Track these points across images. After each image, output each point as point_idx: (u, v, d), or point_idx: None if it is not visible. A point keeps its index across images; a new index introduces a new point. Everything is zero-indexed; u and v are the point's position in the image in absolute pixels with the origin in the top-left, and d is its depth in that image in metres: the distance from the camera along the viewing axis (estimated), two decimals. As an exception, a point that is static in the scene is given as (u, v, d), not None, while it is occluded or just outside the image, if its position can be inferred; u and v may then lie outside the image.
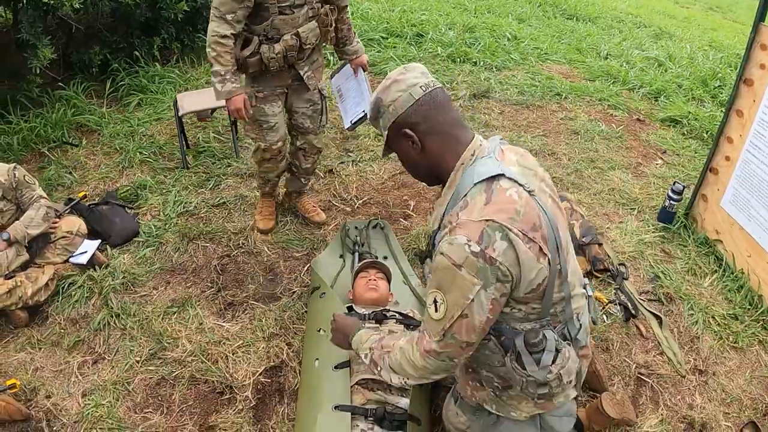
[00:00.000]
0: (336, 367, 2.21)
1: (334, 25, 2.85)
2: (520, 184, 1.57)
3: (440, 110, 1.64)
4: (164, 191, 3.66)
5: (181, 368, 2.53)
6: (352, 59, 3.06)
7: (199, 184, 3.75)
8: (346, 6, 2.94)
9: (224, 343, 2.64)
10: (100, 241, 3.15)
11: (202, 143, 4.17)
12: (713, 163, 3.55)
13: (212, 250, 3.21)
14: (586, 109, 5.17)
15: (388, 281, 2.75)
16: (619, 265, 3.33)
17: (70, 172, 3.85)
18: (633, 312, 3.03)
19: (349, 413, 2.05)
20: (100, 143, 4.19)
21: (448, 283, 1.52)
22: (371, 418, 2.07)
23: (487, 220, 1.48)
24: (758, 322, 3.02)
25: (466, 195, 1.57)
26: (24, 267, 2.92)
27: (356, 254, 3.10)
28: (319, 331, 2.42)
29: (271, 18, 2.65)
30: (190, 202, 3.56)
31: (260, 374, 2.52)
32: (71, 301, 2.87)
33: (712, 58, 6.67)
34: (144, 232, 3.31)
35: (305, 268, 3.12)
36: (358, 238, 3.20)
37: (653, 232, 3.63)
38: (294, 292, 2.97)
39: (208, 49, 2.63)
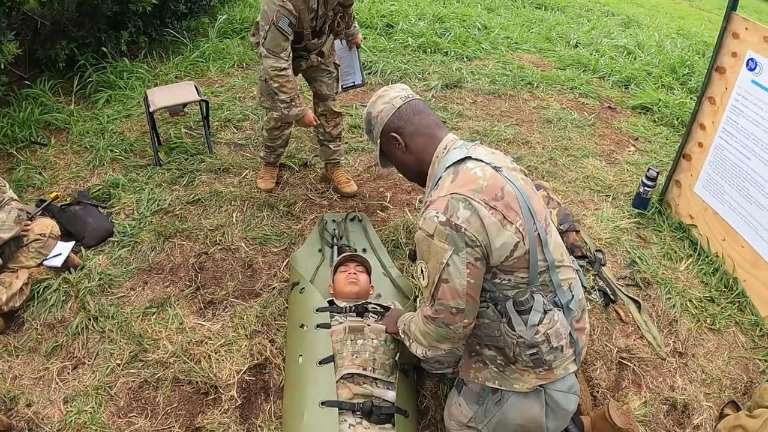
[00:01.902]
0: (320, 363, 2.20)
1: (345, 23, 3.29)
2: (486, 163, 1.80)
3: (419, 114, 1.94)
4: (137, 189, 3.58)
5: (164, 370, 2.48)
6: (349, 39, 3.51)
7: (173, 181, 3.67)
8: (351, 4, 3.29)
9: (206, 343, 2.60)
10: (74, 242, 3.06)
11: (174, 139, 4.08)
12: (686, 150, 3.61)
13: (189, 248, 3.15)
14: (557, 98, 5.22)
15: (368, 274, 2.75)
16: (597, 251, 3.37)
17: (40, 173, 3.73)
18: (612, 297, 3.07)
19: (337, 408, 2.04)
20: (69, 142, 4.08)
21: (426, 252, 1.75)
22: (359, 413, 2.07)
23: (452, 194, 1.71)
24: (734, 304, 3.10)
25: (438, 180, 1.81)
26: None
27: (335, 248, 3.08)
28: (301, 326, 2.40)
29: (304, 41, 3.11)
30: (165, 200, 3.48)
31: (244, 372, 2.48)
32: (47, 306, 2.78)
33: (680, 45, 6.79)
34: (119, 232, 3.23)
35: (284, 264, 3.09)
36: (336, 231, 3.18)
37: (629, 219, 3.68)
38: (274, 288, 2.93)
39: (270, 81, 3.01)
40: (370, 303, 2.50)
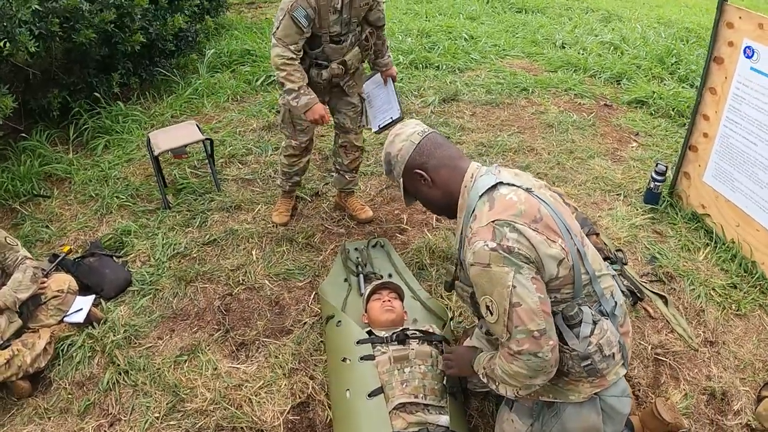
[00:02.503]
0: (370, 396, 2.17)
1: (372, 43, 3.16)
2: (517, 186, 1.81)
3: (440, 147, 1.94)
4: (150, 235, 3.54)
5: (205, 419, 2.43)
6: (383, 70, 3.35)
7: (185, 224, 3.64)
8: (383, 25, 3.21)
9: (244, 386, 2.55)
10: (94, 296, 3.02)
11: (180, 180, 4.05)
12: (692, 141, 3.63)
13: (212, 291, 3.11)
14: (554, 101, 5.24)
15: (402, 300, 2.72)
16: (617, 251, 3.37)
17: (47, 226, 3.69)
18: (639, 295, 3.07)
19: None
20: (72, 192, 4.03)
21: (487, 283, 1.71)
22: None
23: (494, 221, 1.72)
24: (756, 288, 3.13)
25: (474, 210, 1.80)
26: (18, 334, 2.76)
27: (361, 276, 3.06)
28: (343, 360, 2.37)
29: (323, 46, 2.98)
30: (180, 243, 3.44)
31: (288, 413, 2.44)
32: (74, 363, 2.72)
33: (663, 35, 6.86)
34: (137, 281, 3.18)
35: (311, 297, 3.05)
36: (360, 258, 3.16)
37: (642, 215, 3.69)
38: (305, 323, 2.90)
39: (277, 72, 2.92)
40: (409, 329, 2.47)
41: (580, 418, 1.89)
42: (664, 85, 5.55)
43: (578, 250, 1.81)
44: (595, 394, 1.87)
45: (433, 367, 2.30)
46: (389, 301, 2.62)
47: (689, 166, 3.69)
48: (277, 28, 2.85)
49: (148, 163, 4.32)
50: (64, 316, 2.91)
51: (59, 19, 4.05)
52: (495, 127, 4.78)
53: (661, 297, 3.10)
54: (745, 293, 3.10)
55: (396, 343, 2.39)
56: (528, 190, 1.82)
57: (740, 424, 2.45)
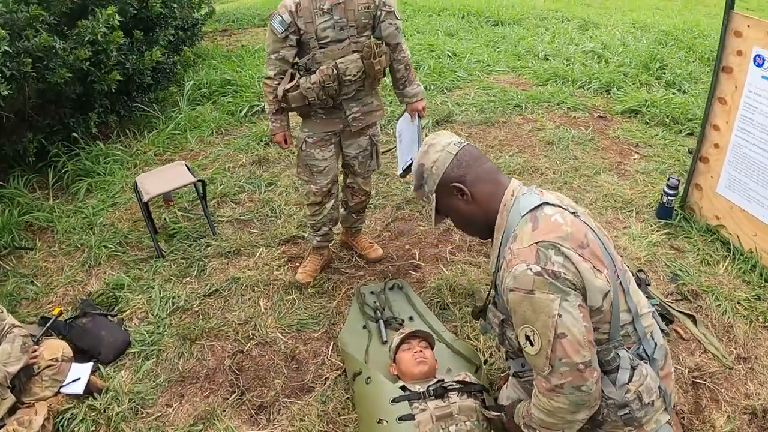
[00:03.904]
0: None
1: (381, 59, 2.79)
2: (563, 207, 1.67)
3: (478, 160, 1.78)
4: (145, 288, 3.30)
5: (231, 499, 2.22)
6: (410, 103, 3.02)
7: (182, 273, 3.40)
8: (399, 44, 2.90)
9: (270, 457, 2.35)
10: (92, 363, 2.77)
11: (171, 225, 3.81)
12: (702, 153, 3.56)
13: (221, 349, 2.88)
14: (548, 116, 5.15)
15: (432, 348, 2.54)
16: (638, 272, 3.25)
17: (32, 282, 3.42)
18: (669, 317, 2.96)
19: None
20: (56, 242, 3.78)
21: (529, 311, 1.56)
22: None
23: (538, 242, 1.57)
24: (779, 297, 3.05)
25: (515, 229, 1.66)
26: (12, 411, 2.50)
27: (381, 321, 2.88)
28: (379, 422, 2.17)
29: (312, 52, 2.75)
30: (179, 296, 3.21)
31: (323, 482, 2.24)
32: (75, 441, 2.47)
33: (643, 40, 6.86)
34: (136, 341, 2.94)
35: (329, 348, 2.85)
36: (377, 303, 2.98)
37: (658, 231, 3.59)
38: (326, 378, 2.68)
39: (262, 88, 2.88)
40: (445, 381, 2.29)
41: None
42: (654, 92, 5.51)
43: (621, 284, 1.68)
44: None
45: (479, 422, 2.13)
46: (421, 351, 2.44)
47: (700, 177, 3.61)
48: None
49: (134, 207, 4.09)
50: (61, 387, 2.65)
51: (32, 59, 3.82)
52: (494, 147, 4.65)
53: (690, 317, 3.00)
54: (769, 304, 3.02)
55: (434, 397, 2.21)
56: (574, 214, 1.68)
57: None
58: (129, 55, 4.79)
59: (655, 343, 1.78)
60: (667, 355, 1.86)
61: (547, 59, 6.51)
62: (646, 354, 1.75)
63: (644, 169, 4.25)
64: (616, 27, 7.67)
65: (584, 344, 1.54)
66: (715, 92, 3.37)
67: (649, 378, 1.69)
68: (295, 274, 3.29)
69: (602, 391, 1.64)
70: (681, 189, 3.72)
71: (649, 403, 1.68)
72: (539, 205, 1.66)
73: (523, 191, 1.74)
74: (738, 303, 3.06)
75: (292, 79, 2.78)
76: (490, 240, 1.84)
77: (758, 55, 3.06)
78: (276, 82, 2.80)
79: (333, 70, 2.71)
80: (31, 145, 4.25)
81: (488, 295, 1.95)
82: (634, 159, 4.42)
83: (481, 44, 7.10)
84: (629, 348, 1.71)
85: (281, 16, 2.67)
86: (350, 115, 2.91)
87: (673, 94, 5.38)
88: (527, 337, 1.58)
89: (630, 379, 1.67)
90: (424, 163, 1.79)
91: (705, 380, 2.64)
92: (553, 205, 1.67)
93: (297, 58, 2.83)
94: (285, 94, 2.77)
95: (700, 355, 2.78)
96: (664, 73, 5.89)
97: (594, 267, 1.58)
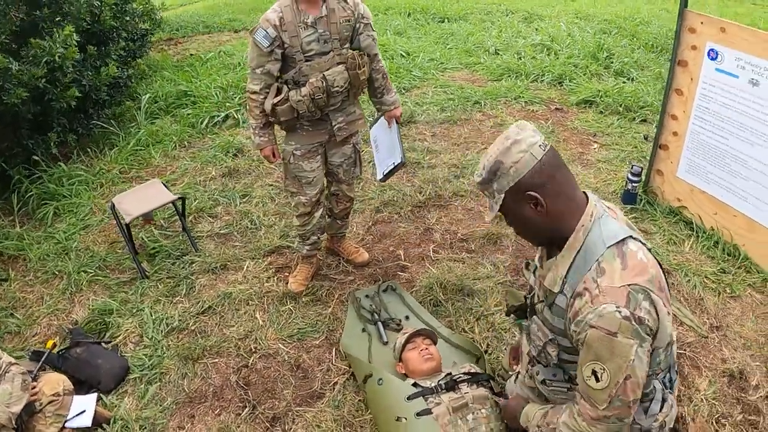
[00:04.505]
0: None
1: (364, 69, 2.88)
2: (643, 243, 1.63)
3: (560, 170, 1.62)
4: (135, 311, 3.25)
5: None
6: (388, 111, 3.11)
7: (170, 293, 3.36)
8: (376, 54, 2.98)
9: (295, 468, 2.39)
10: (96, 393, 2.72)
11: (150, 244, 3.76)
12: (662, 140, 3.78)
13: (224, 365, 2.89)
14: (508, 111, 5.32)
15: (435, 344, 2.64)
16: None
17: (12, 314, 3.31)
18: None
19: None
20: (31, 270, 3.66)
21: (608, 352, 1.54)
22: None
23: (630, 285, 1.53)
24: (742, 269, 3.31)
25: (599, 260, 1.58)
26: None
27: (379, 323, 2.96)
28: (398, 420, 2.24)
29: (299, 65, 2.78)
30: (172, 317, 3.18)
31: (350, 486, 2.30)
32: (90, 474, 2.45)
33: (588, 30, 7.13)
34: (135, 366, 2.91)
35: (333, 354, 2.90)
36: (373, 306, 3.06)
37: (625, 215, 3.77)
38: (335, 383, 2.74)
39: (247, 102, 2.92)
40: (453, 374, 2.40)
41: None
42: (605, 81, 5.77)
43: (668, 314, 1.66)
44: None
45: (492, 408, 2.24)
46: (427, 348, 2.54)
47: (661, 163, 3.84)
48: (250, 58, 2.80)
49: (108, 228, 4.01)
50: (66, 422, 2.60)
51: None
52: (460, 146, 4.78)
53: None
54: (734, 276, 3.26)
55: (446, 390, 2.31)
56: (649, 250, 1.64)
57: (762, 396, 2.57)
58: (84, 71, 4.67)
59: (677, 372, 1.86)
60: (676, 384, 1.93)
61: (498, 54, 6.69)
62: (671, 383, 1.80)
63: (605, 157, 4.47)
64: (560, 18, 7.94)
65: (641, 385, 1.58)
66: (672, 84, 3.59)
67: (674, 408, 1.77)
68: (287, 284, 3.32)
69: (634, 419, 1.68)
70: (643, 175, 3.94)
71: (668, 429, 1.78)
72: (624, 239, 1.59)
73: (599, 213, 1.64)
74: (705, 277, 3.27)
75: (278, 92, 2.82)
76: (541, 248, 1.80)
77: (712, 50, 3.28)
78: (262, 96, 2.82)
79: (322, 82, 2.77)
80: (-11, 170, 4.11)
81: (530, 302, 1.93)
82: (594, 148, 4.64)
83: (431, 42, 7.22)
84: (658, 375, 1.75)
85: (265, 31, 2.69)
86: (336, 125, 2.98)
87: (624, 82, 5.65)
88: (594, 373, 1.57)
89: (660, 410, 1.73)
90: (503, 161, 1.59)
91: (684, 350, 2.82)
92: (634, 239, 1.62)
93: (280, 72, 2.86)
94: (273, 108, 2.80)
95: (677, 328, 2.96)
96: (612, 62, 6.16)
97: (668, 312, 1.60)
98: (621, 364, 1.53)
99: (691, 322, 3.01)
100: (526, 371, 2.08)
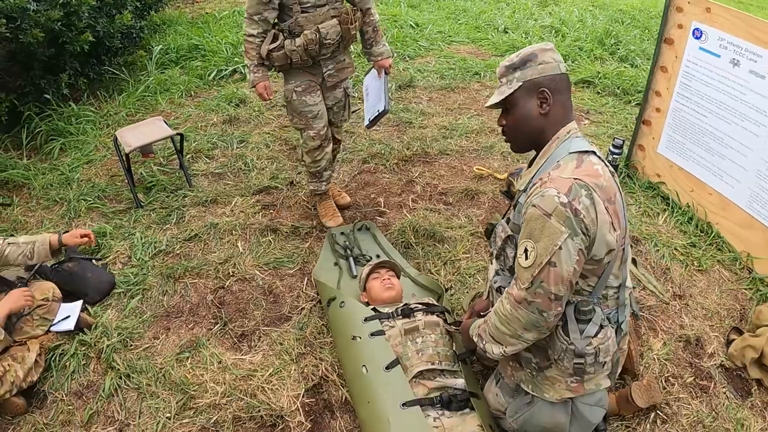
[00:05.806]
0: (387, 368, 2.24)
1: (355, 24, 3.05)
2: (606, 164, 1.79)
3: (568, 92, 1.85)
4: (127, 235, 3.46)
5: (220, 412, 2.42)
6: (377, 61, 3.24)
7: (162, 221, 3.57)
8: (370, 8, 3.14)
9: (254, 376, 2.56)
10: (81, 302, 2.92)
11: (148, 178, 3.96)
12: (645, 116, 3.88)
13: (203, 286, 3.09)
14: (507, 84, 5.41)
15: (398, 277, 2.81)
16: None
17: (11, 235, 3.49)
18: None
19: (419, 406, 2.11)
20: (34, 197, 3.87)
21: (539, 231, 1.68)
22: (438, 405, 2.15)
23: (575, 179, 1.68)
24: (713, 246, 3.40)
25: (558, 161, 1.76)
26: (4, 350, 2.61)
27: (350, 258, 3.13)
28: (354, 338, 2.43)
29: (295, 16, 2.92)
30: (160, 241, 3.39)
31: (303, 396, 2.48)
32: (68, 373, 2.62)
33: (600, 17, 7.18)
34: (121, 282, 3.11)
35: (304, 283, 3.09)
36: (347, 242, 3.22)
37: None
38: (302, 308, 2.93)
39: (243, 44, 3.03)
40: (411, 303, 2.57)
41: (549, 415, 1.97)
42: (607, 65, 5.84)
43: (623, 251, 1.83)
44: (569, 398, 1.93)
45: (442, 335, 2.40)
46: (388, 279, 2.71)
47: (643, 139, 3.94)
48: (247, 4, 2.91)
49: (110, 163, 4.21)
50: (51, 326, 2.79)
51: (5, 20, 3.87)
52: (454, 110, 4.92)
53: (632, 260, 3.31)
54: (703, 251, 3.36)
55: (401, 316, 2.47)
56: (612, 174, 1.80)
57: (715, 364, 2.69)
58: (99, 18, 4.85)
59: (625, 317, 1.95)
60: (627, 335, 2.06)
61: (507, 32, 6.78)
62: (617, 322, 1.91)
63: (594, 132, 4.58)
64: (576, 4, 7.97)
65: (565, 281, 1.68)
66: (658, 61, 3.68)
67: (611, 341, 1.85)
68: (271, 220, 3.52)
69: (567, 335, 1.80)
70: (625, 149, 4.05)
71: (602, 363, 1.86)
72: (588, 152, 1.76)
73: (578, 134, 1.83)
74: (675, 249, 3.38)
75: (275, 39, 2.96)
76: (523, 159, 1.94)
77: (697, 29, 3.36)
78: (259, 40, 2.97)
79: (316, 34, 2.93)
80: (3, 106, 4.29)
81: (506, 212, 2.06)
82: (584, 124, 4.74)
83: (442, 16, 7.32)
84: (604, 310, 1.86)
85: None
86: (326, 71, 3.15)
87: (625, 68, 5.72)
88: (526, 251, 1.71)
89: (595, 334, 1.82)
90: (537, 55, 1.80)
91: (644, 312, 2.94)
92: (599, 157, 1.78)
93: (277, 20, 3.02)
94: (269, 53, 2.96)
95: (639, 292, 3.08)
96: (618, 49, 6.21)
97: (611, 223, 1.71)
98: (548, 245, 1.66)
99: (655, 288, 3.11)
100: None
